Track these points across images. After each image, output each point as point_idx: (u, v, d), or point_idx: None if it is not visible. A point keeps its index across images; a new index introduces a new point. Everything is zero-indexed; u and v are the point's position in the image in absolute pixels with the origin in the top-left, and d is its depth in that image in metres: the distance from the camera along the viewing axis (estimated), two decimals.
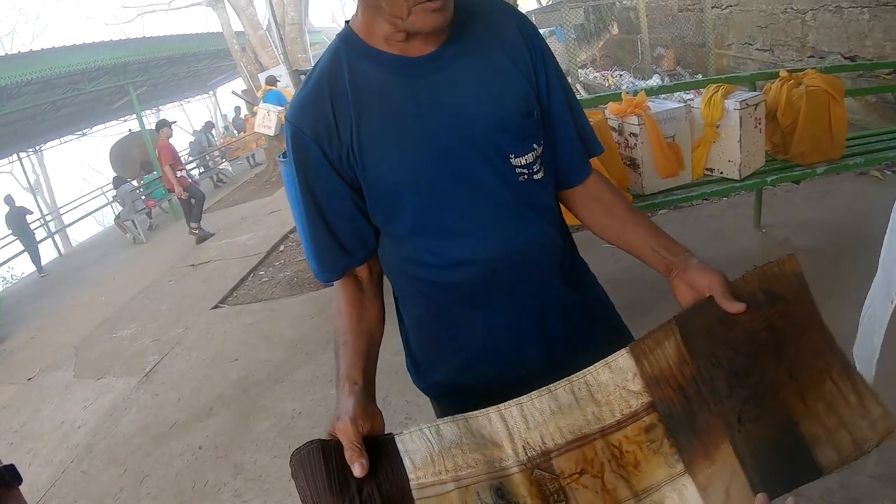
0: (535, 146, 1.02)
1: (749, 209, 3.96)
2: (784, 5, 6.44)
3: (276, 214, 7.98)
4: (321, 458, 0.81)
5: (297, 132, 0.98)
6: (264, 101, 9.60)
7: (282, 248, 6.24)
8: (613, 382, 0.87)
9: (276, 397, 3.13)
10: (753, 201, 3.88)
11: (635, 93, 2.94)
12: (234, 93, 12.06)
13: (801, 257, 3.47)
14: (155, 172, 13.10)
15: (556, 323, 1.11)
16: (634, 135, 2.80)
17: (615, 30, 10.66)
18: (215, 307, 4.82)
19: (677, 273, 0.96)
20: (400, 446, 0.83)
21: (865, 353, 0.98)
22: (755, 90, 3.18)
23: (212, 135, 16.57)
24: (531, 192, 1.03)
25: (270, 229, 7.07)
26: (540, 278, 1.08)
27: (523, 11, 1.01)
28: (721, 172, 3.04)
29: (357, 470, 0.78)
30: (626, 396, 0.87)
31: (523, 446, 0.85)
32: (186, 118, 25.35)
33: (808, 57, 6.19)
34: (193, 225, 8.32)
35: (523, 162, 1.01)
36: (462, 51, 0.98)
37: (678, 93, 3.23)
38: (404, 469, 0.81)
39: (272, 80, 9.76)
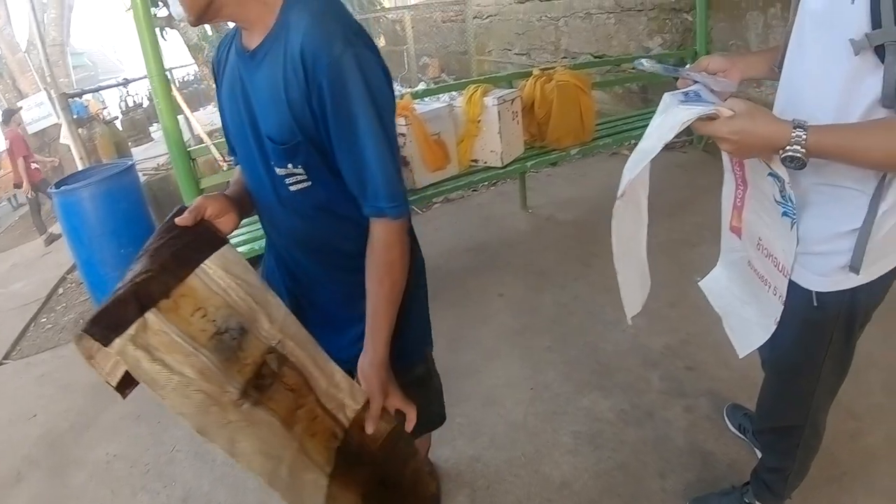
0: (289, 165, 1.12)
1: (516, 196, 4.42)
2: (539, 14, 7.15)
3: (49, 256, 7.19)
4: (171, 217, 1.08)
5: (217, 53, 1.27)
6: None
7: (61, 290, 5.70)
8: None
9: (87, 445, 2.93)
10: (518, 188, 4.34)
11: (401, 97, 3.20)
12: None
13: (565, 229, 4.07)
14: None
15: (308, 292, 1.35)
16: (403, 135, 2.97)
17: (382, 42, 10.90)
18: None
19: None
20: (225, 248, 1.06)
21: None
22: (513, 88, 3.59)
23: None
24: (290, 196, 1.18)
25: (46, 273, 6.39)
26: (298, 257, 1.32)
27: None
28: (485, 162, 3.38)
29: (180, 218, 1.07)
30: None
31: (279, 330, 1.07)
32: None
33: (562, 58, 6.91)
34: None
35: (280, 172, 1.14)
36: (267, 58, 1.07)
37: (445, 94, 3.57)
38: (209, 255, 1.03)
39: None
